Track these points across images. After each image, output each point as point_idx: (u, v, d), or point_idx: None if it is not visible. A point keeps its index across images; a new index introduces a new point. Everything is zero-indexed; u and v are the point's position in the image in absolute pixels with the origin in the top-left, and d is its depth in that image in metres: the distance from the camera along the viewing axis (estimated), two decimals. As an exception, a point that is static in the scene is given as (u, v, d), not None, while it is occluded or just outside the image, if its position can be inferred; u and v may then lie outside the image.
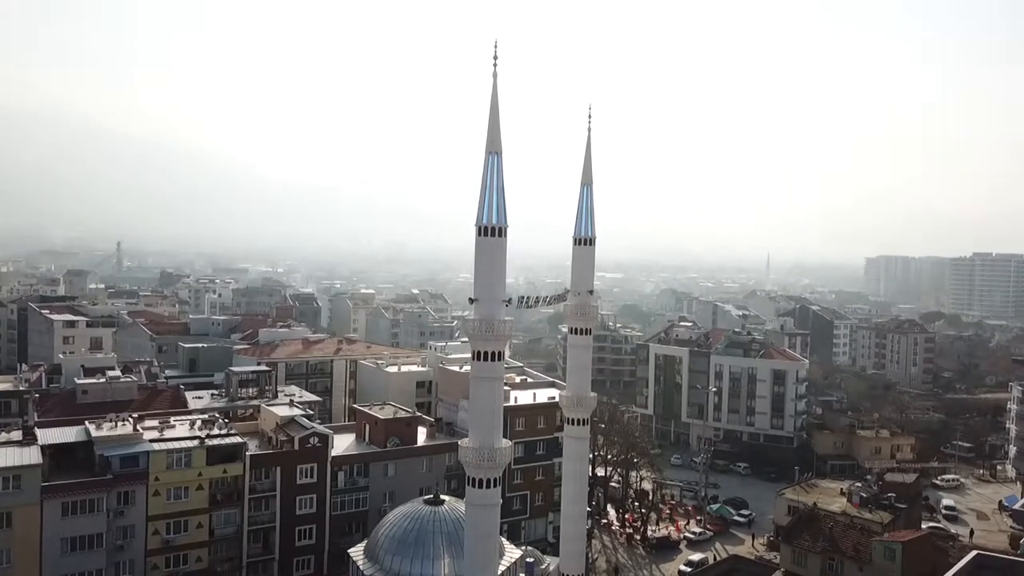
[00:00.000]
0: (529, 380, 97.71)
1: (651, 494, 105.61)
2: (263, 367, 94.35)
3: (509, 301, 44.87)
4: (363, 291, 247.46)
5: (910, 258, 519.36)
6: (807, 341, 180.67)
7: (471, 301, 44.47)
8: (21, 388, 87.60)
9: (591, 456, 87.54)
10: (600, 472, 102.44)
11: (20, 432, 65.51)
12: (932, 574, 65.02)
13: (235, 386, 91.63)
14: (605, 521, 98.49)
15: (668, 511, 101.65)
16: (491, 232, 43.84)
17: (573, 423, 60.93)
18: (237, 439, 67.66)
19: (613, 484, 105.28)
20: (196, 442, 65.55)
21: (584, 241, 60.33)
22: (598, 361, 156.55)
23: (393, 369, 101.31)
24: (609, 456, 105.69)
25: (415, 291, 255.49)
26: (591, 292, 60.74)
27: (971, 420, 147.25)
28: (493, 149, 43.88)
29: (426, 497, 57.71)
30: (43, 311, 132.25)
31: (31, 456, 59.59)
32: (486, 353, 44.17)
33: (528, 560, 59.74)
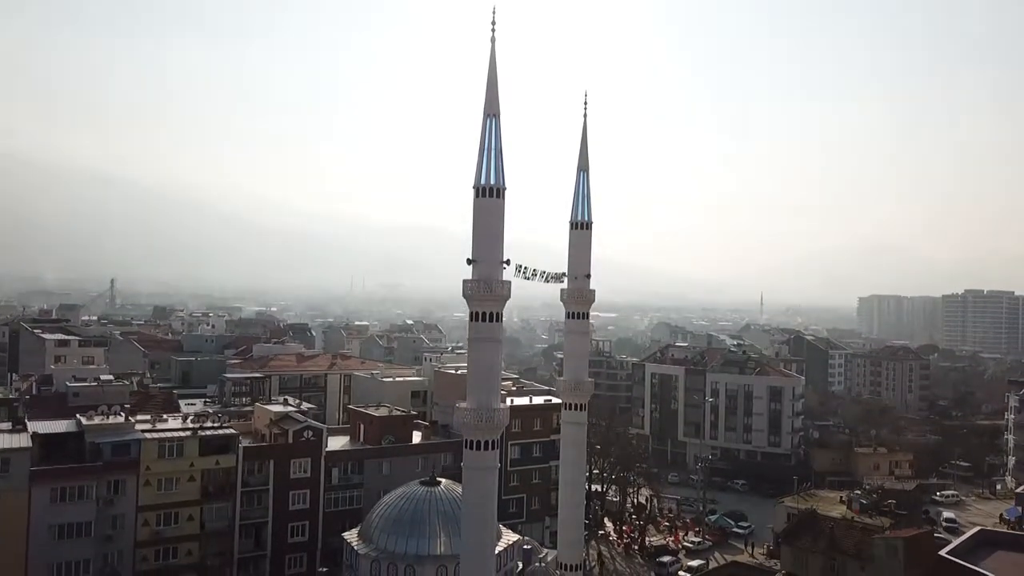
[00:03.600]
0: (525, 389, 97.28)
1: (648, 506, 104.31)
2: (257, 374, 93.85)
3: (507, 262, 44.80)
4: (357, 323, 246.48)
5: (903, 297, 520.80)
6: (802, 368, 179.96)
7: (469, 262, 44.47)
8: (11, 396, 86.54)
9: (587, 473, 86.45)
10: (597, 488, 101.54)
11: (9, 423, 64.76)
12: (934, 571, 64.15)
13: (229, 394, 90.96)
14: (603, 532, 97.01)
15: (666, 523, 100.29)
16: (489, 192, 44.12)
17: (571, 408, 60.51)
18: (230, 431, 66.91)
19: (610, 498, 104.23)
20: (189, 432, 64.81)
21: (581, 225, 60.66)
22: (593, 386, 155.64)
23: (388, 380, 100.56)
24: (606, 472, 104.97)
25: (409, 321, 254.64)
26: (588, 276, 60.80)
27: (969, 442, 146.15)
28: (491, 111, 44.41)
29: (422, 479, 56.94)
30: (34, 331, 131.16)
31: (20, 441, 58.80)
32: (485, 314, 44.08)
33: (525, 547, 58.75)
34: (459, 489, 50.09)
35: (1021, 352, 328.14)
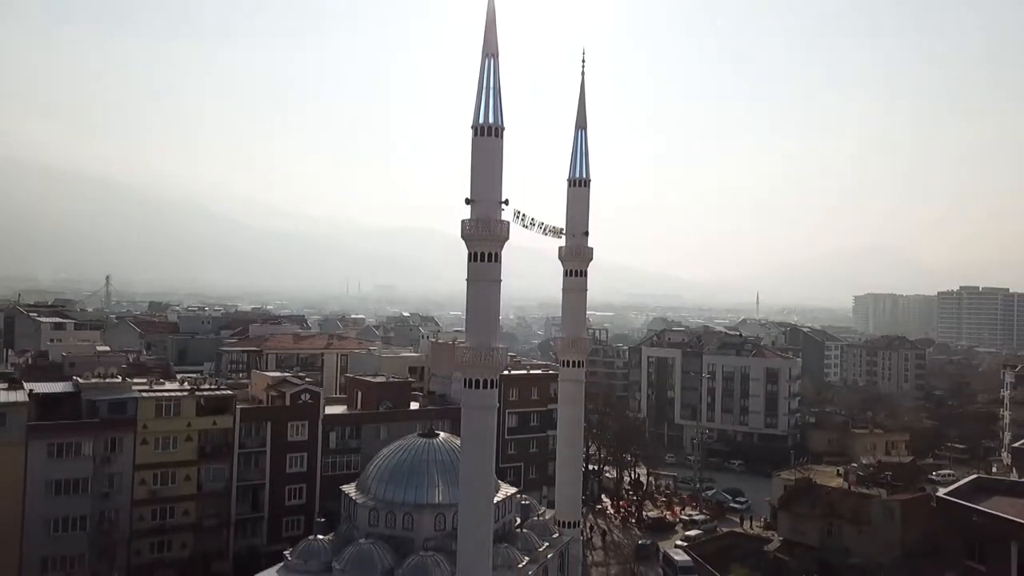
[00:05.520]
0: (522, 363, 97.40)
1: (645, 482, 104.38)
2: (254, 348, 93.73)
3: (506, 202, 44.76)
4: (354, 316, 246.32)
5: (898, 295, 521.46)
6: (798, 357, 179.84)
7: (467, 202, 44.42)
8: (8, 371, 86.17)
9: (584, 452, 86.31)
10: (594, 468, 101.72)
11: (6, 383, 64.57)
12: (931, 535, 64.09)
13: (226, 368, 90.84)
14: (600, 507, 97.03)
15: (663, 499, 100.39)
16: (488, 132, 44.08)
17: (568, 365, 60.52)
18: (227, 392, 66.84)
19: (607, 475, 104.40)
20: (186, 392, 64.74)
21: (579, 183, 60.74)
22: (589, 375, 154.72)
23: (386, 355, 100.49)
24: (603, 452, 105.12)
25: (406, 314, 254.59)
26: (586, 234, 60.88)
27: (965, 426, 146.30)
28: (490, 52, 44.40)
29: (420, 432, 56.90)
30: (30, 314, 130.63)
31: (17, 396, 58.66)
32: (483, 254, 44.04)
33: (524, 502, 58.68)
34: (457, 441, 50.03)
35: (1016, 347, 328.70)
